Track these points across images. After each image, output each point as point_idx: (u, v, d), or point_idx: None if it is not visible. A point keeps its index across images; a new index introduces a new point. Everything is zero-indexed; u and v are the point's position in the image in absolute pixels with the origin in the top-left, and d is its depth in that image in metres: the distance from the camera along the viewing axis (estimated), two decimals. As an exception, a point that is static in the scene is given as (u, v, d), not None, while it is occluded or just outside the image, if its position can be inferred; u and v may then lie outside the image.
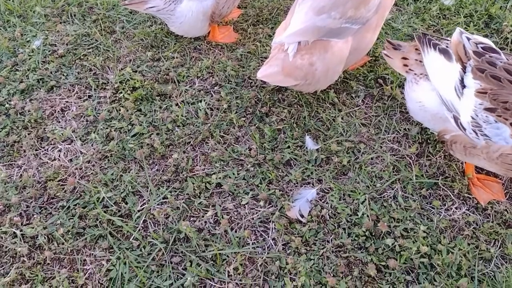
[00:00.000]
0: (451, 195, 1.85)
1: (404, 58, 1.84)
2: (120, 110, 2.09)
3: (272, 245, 1.70)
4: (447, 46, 1.70)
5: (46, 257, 1.65)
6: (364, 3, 1.90)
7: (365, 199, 1.80)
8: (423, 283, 1.59)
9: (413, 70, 1.81)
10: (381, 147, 2.00)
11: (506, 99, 1.47)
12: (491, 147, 1.56)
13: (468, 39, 1.63)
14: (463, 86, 1.60)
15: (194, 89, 2.21)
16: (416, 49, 1.83)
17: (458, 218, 1.78)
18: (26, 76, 2.25)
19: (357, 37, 1.96)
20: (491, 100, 1.51)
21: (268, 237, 1.72)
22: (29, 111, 2.09)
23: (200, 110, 2.11)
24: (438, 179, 1.88)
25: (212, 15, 2.28)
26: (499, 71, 1.52)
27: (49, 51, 2.38)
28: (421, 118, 1.84)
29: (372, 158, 1.96)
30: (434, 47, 1.71)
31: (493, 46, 1.63)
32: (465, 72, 1.60)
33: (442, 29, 2.48)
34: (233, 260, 1.65)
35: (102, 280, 1.61)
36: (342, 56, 1.96)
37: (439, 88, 1.66)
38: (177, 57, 2.34)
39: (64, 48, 2.38)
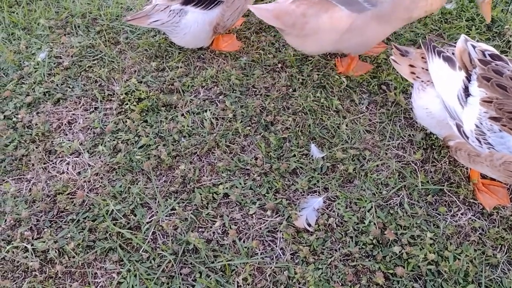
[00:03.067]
0: (457, 201, 1.86)
1: (411, 66, 1.85)
2: (126, 121, 2.10)
3: (280, 255, 1.72)
4: (453, 53, 1.71)
5: (57, 271, 1.67)
6: None
7: (372, 207, 1.81)
8: (431, 290, 1.61)
9: (420, 77, 1.82)
10: (386, 153, 2.01)
11: (511, 109, 1.48)
12: (495, 155, 1.57)
13: (474, 46, 1.63)
14: (467, 95, 1.60)
15: (199, 98, 2.23)
16: (423, 57, 1.84)
17: (464, 224, 1.79)
18: (33, 89, 2.27)
19: (364, 19, 1.97)
20: (496, 110, 1.52)
21: (276, 246, 1.74)
22: (36, 124, 2.11)
23: (206, 120, 2.12)
24: (443, 185, 1.89)
25: (216, 27, 2.29)
26: (506, 80, 1.53)
27: (54, 64, 2.39)
28: (428, 124, 1.85)
29: (377, 165, 1.97)
30: (439, 55, 1.72)
31: (499, 54, 1.63)
32: (469, 81, 1.61)
33: (444, 33, 2.49)
34: (242, 271, 1.67)
35: (114, 293, 1.63)
36: (339, 25, 1.99)
37: (443, 95, 1.68)
38: (181, 67, 2.36)
39: (69, 60, 2.40)
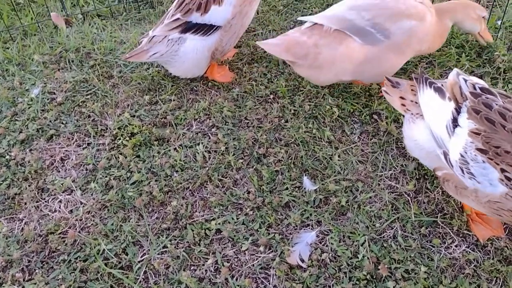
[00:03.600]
0: (451, 232, 1.85)
1: (402, 98, 1.86)
2: (119, 157, 2.11)
3: (273, 293, 1.70)
4: (442, 85, 1.73)
5: (48, 314, 1.65)
6: (396, 18, 1.99)
7: (365, 241, 1.80)
8: (426, 327, 1.58)
9: (410, 110, 1.83)
10: (379, 184, 2.00)
11: (498, 144, 1.48)
12: (479, 192, 1.57)
13: (465, 80, 1.65)
14: (455, 125, 1.61)
15: (191, 131, 2.23)
16: (412, 89, 1.85)
17: (459, 256, 1.78)
18: (26, 126, 2.28)
19: (379, 50, 2.02)
20: (483, 143, 1.52)
21: (269, 284, 1.72)
22: (29, 161, 2.12)
23: (198, 153, 2.12)
24: (437, 217, 1.88)
25: (215, 52, 2.31)
26: (494, 114, 1.53)
27: (48, 99, 2.41)
28: (417, 155, 1.86)
29: (370, 197, 1.96)
30: (430, 85, 1.74)
31: (489, 88, 1.65)
32: (459, 113, 1.62)
33: (435, 60, 2.51)
34: (235, 310, 1.65)
35: (105, 336, 1.60)
36: (354, 56, 2.04)
37: (431, 125, 1.69)
38: (174, 100, 2.37)
39: (62, 95, 2.42)
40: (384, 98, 2.29)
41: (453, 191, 1.73)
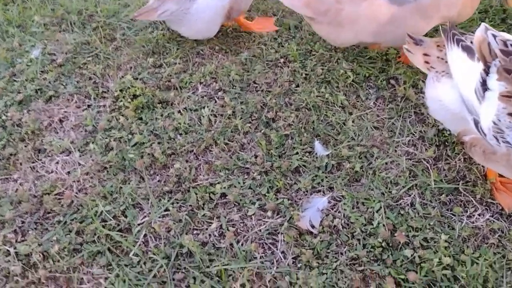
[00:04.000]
0: (473, 200, 1.72)
1: (426, 55, 1.72)
2: (120, 119, 1.99)
3: (281, 259, 1.58)
4: (471, 42, 1.58)
5: (40, 276, 1.55)
6: None
7: (381, 207, 1.67)
8: (447, 297, 1.46)
9: (434, 67, 1.69)
10: (395, 150, 1.87)
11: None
12: None
13: (494, 36, 1.50)
14: (485, 89, 1.47)
15: (197, 95, 2.11)
16: (438, 45, 1.71)
17: (482, 225, 1.65)
18: (24, 86, 2.18)
19: (404, 11, 1.89)
20: (517, 105, 1.38)
21: (277, 250, 1.60)
22: (26, 122, 2.01)
23: (203, 117, 2.01)
24: (458, 184, 1.75)
25: (230, 11, 2.18)
26: (529, 74, 1.38)
27: (47, 61, 2.30)
28: (441, 118, 1.71)
29: (386, 163, 1.83)
30: (457, 43, 1.59)
31: None
32: (487, 73, 1.47)
33: (457, 26, 2.36)
34: (240, 276, 1.53)
35: (100, 300, 1.50)
36: (378, 15, 1.90)
37: (460, 88, 1.54)
38: (179, 63, 2.25)
39: (63, 57, 2.31)
40: (402, 63, 2.17)
41: (480, 157, 1.59)
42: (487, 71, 1.46)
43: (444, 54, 1.65)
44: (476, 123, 1.51)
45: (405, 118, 1.99)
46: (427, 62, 1.72)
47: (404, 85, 2.09)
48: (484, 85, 1.46)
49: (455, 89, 1.61)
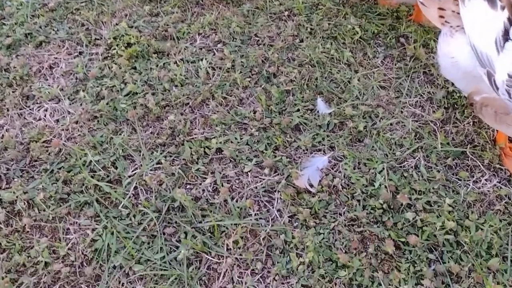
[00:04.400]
0: (481, 165, 1.64)
1: (441, 9, 1.60)
2: (112, 67, 1.89)
3: (277, 217, 1.51)
4: None
5: (25, 224, 1.48)
6: None
7: (383, 168, 1.60)
8: (448, 262, 1.40)
9: (449, 22, 1.58)
10: (401, 112, 1.78)
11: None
12: None
13: None
14: (506, 39, 1.36)
15: (195, 46, 2.00)
16: None
17: (488, 191, 1.57)
18: (13, 30, 2.06)
19: None
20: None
21: (273, 208, 1.54)
22: (14, 67, 1.91)
23: (201, 69, 1.90)
24: (466, 148, 1.67)
25: None
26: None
27: (39, 5, 2.17)
28: (452, 76, 1.62)
29: (391, 124, 1.74)
30: None
31: None
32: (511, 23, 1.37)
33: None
34: (233, 233, 1.47)
35: (86, 251, 1.44)
36: None
37: (474, 39, 1.44)
38: (177, 12, 2.13)
39: (55, 1, 2.18)
40: (413, 21, 2.05)
41: (491, 118, 1.51)
42: (511, 20, 1.36)
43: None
44: (490, 76, 1.41)
45: (414, 78, 1.89)
46: (441, 17, 1.61)
47: (414, 44, 1.98)
48: (506, 35, 1.35)
49: (468, 45, 1.50)
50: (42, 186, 1.56)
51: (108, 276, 1.40)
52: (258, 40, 2.03)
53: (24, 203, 1.52)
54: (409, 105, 1.81)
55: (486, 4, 1.43)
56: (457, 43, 1.55)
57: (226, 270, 1.42)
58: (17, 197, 1.52)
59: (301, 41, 2.02)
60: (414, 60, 1.94)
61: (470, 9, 1.47)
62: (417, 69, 1.92)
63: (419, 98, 1.83)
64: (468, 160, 1.65)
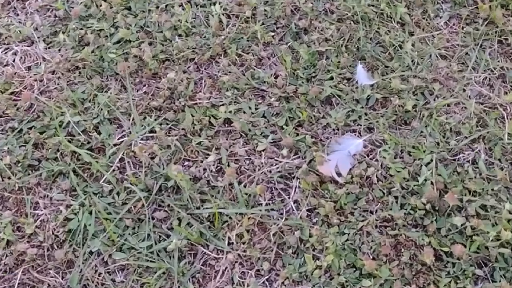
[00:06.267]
0: (557, 166, 1.78)
1: None
2: (101, 5, 2.06)
3: (292, 209, 1.69)
4: None
5: (-14, 194, 1.69)
6: None
7: (432, 160, 1.75)
8: (500, 281, 1.56)
9: None
10: (464, 90, 1.92)
11: None
12: None
13: None
14: None
15: (206, -14, 2.16)
16: None
17: (562, 199, 1.72)
18: None
19: None
20: None
21: (289, 198, 1.71)
22: (-22, -3, 2.09)
23: (213, 16, 2.06)
24: (540, 143, 1.81)
25: None
26: None
27: None
28: None
29: (448, 105, 1.89)
30: None
31: None
32: None
33: None
34: (237, 224, 1.65)
35: (58, 231, 1.64)
36: None
37: None
38: None
39: None
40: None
41: None
42: None
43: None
44: None
45: (485, 47, 2.02)
46: None
47: (490, 3, 2.10)
48: None
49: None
50: (8, 148, 1.75)
51: (82, 263, 1.60)
52: (289, -17, 2.17)
53: (-14, 168, 1.72)
54: (475, 82, 1.95)
55: None
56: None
57: (226, 268, 1.60)
58: (-23, 159, 1.72)
59: (344, -12, 2.16)
60: (487, 24, 2.07)
61: None
62: (491, 36, 2.05)
63: (489, 74, 1.97)
64: (541, 158, 1.80)
